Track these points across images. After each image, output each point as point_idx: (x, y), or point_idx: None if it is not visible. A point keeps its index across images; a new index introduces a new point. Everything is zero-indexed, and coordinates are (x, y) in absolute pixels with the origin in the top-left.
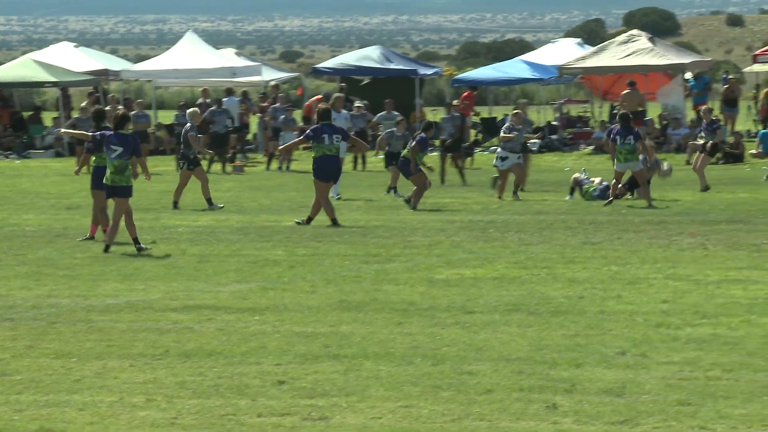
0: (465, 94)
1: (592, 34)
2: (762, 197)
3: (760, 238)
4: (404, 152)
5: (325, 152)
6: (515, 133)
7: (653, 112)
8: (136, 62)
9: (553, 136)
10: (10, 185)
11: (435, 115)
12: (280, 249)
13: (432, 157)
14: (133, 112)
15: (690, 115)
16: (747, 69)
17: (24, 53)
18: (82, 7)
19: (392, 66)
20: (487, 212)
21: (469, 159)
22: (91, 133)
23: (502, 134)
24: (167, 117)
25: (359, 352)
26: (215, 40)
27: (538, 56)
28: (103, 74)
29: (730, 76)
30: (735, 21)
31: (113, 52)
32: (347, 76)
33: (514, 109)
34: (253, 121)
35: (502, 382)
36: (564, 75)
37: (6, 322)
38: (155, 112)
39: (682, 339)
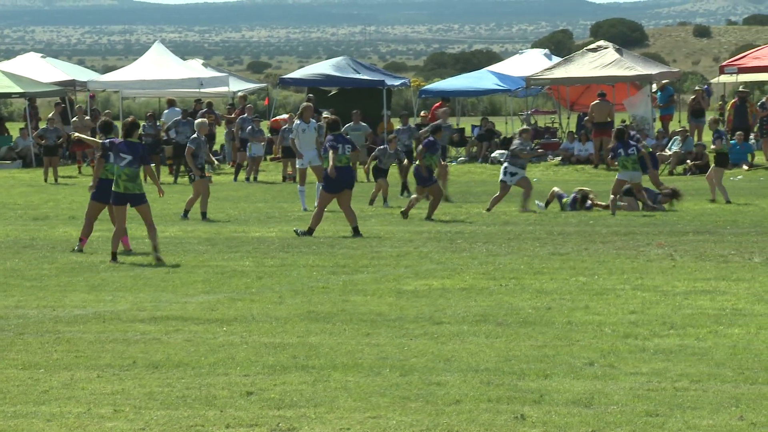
0: (437, 104)
1: (560, 45)
2: (729, 208)
3: (728, 249)
4: (417, 162)
5: (336, 163)
6: (528, 149)
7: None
8: (103, 73)
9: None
10: None
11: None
12: (247, 260)
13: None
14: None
15: (656, 126)
16: (714, 80)
17: None
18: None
19: (360, 77)
20: (455, 223)
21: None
22: (101, 141)
23: (517, 151)
24: None
25: (327, 363)
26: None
27: (505, 67)
28: (71, 85)
29: (697, 87)
30: (702, 32)
31: (80, 62)
32: (315, 86)
33: (523, 127)
34: (220, 132)
35: (470, 392)
36: (531, 86)
37: None
38: (122, 123)
39: (650, 350)
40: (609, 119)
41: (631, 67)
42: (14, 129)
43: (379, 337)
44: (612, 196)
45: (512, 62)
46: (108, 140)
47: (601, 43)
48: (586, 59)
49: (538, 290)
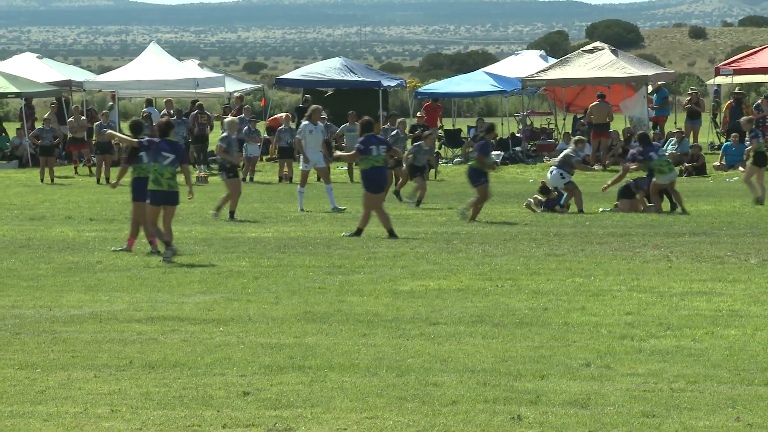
0: (426, 104)
1: (555, 46)
2: (725, 209)
3: (724, 250)
4: (471, 162)
5: (373, 164)
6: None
7: (617, 124)
8: (99, 73)
9: (517, 148)
10: None
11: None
12: (244, 260)
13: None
14: (97, 123)
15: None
16: (710, 81)
17: None
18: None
19: (356, 77)
20: (452, 224)
21: (432, 171)
22: (138, 140)
23: (572, 161)
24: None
25: (324, 364)
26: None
27: (501, 68)
28: (67, 85)
29: (692, 89)
30: (698, 33)
31: (76, 63)
32: (311, 87)
33: (578, 137)
34: (216, 132)
35: (466, 393)
36: (527, 87)
37: None
38: (119, 123)
39: (647, 351)
40: (608, 120)
41: (627, 68)
42: (10, 129)
43: (375, 337)
44: (653, 198)
45: (508, 63)
46: (147, 139)
47: (597, 44)
48: (582, 60)
49: (535, 291)
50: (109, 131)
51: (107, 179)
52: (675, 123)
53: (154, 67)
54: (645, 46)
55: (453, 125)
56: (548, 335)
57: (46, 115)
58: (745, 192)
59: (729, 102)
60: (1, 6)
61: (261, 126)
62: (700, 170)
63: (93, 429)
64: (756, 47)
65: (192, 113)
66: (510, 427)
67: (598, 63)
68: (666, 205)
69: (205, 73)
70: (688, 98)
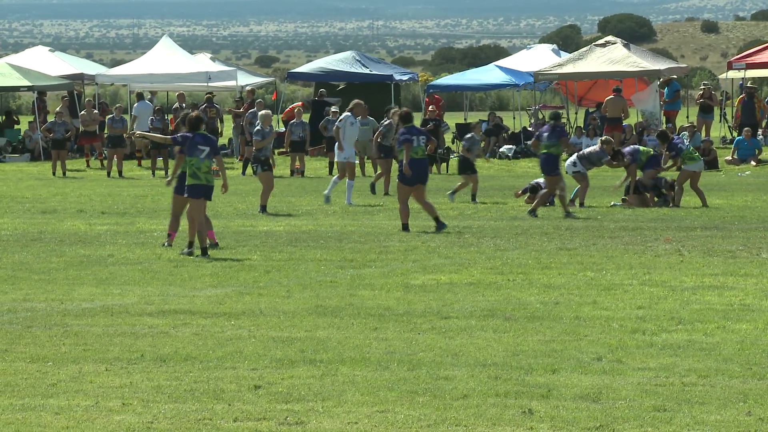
0: (427, 99)
1: (567, 40)
2: (736, 203)
3: (735, 244)
4: (543, 149)
5: (412, 155)
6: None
7: (630, 118)
8: (111, 67)
9: (529, 142)
10: None
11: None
12: (255, 254)
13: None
14: (110, 116)
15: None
16: (722, 75)
17: None
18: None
19: (368, 71)
20: (463, 218)
21: (444, 164)
22: (171, 137)
23: (594, 159)
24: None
25: (335, 357)
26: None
27: (513, 62)
28: (79, 78)
29: (704, 83)
30: (710, 27)
31: (88, 56)
32: (323, 81)
33: (605, 137)
34: (227, 126)
35: (478, 387)
36: (539, 81)
37: None
38: (131, 117)
39: (658, 345)
40: (622, 114)
41: (639, 62)
42: (23, 122)
43: (386, 331)
44: (677, 188)
45: (520, 57)
46: (180, 135)
47: (609, 38)
48: (594, 55)
49: (546, 285)
50: (138, 131)
51: (119, 172)
52: (687, 117)
53: (166, 61)
54: (657, 40)
55: (465, 119)
56: (560, 329)
57: (58, 109)
58: (757, 186)
59: (741, 96)
60: None
61: (274, 120)
62: (711, 164)
63: (104, 422)
64: None
65: (201, 106)
66: (521, 421)
67: (610, 57)
68: (696, 201)
69: (218, 67)
70: (701, 92)
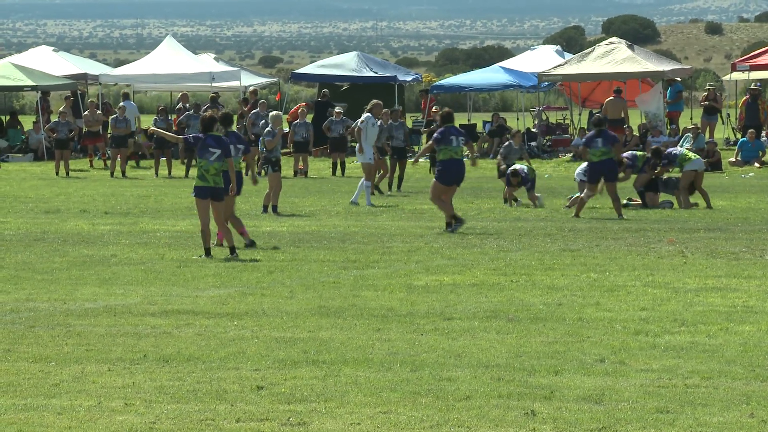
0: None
1: (571, 41)
2: (740, 205)
3: (739, 246)
4: (600, 155)
5: (452, 155)
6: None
7: (633, 120)
8: (115, 67)
9: (532, 143)
10: None
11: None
12: (258, 254)
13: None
14: (113, 117)
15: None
16: (726, 77)
17: (2, 57)
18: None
19: (371, 72)
20: (466, 218)
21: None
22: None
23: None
24: (146, 121)
25: (338, 358)
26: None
27: (517, 63)
28: (82, 78)
29: (709, 85)
30: (714, 29)
31: (92, 56)
32: (327, 82)
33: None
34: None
35: (480, 388)
36: (543, 82)
37: None
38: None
39: (661, 347)
40: (623, 116)
41: (643, 63)
42: (26, 122)
43: (389, 332)
44: (682, 191)
45: (524, 58)
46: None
47: (613, 39)
48: (598, 56)
49: (549, 286)
50: (152, 128)
51: (123, 173)
52: (691, 119)
53: (169, 61)
54: (661, 41)
55: (468, 120)
56: (563, 331)
57: (61, 109)
58: (761, 188)
59: (745, 98)
60: None
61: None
62: (715, 166)
63: (107, 422)
64: None
65: (205, 107)
66: (524, 423)
67: (614, 58)
68: (701, 202)
69: (221, 67)
70: (705, 94)
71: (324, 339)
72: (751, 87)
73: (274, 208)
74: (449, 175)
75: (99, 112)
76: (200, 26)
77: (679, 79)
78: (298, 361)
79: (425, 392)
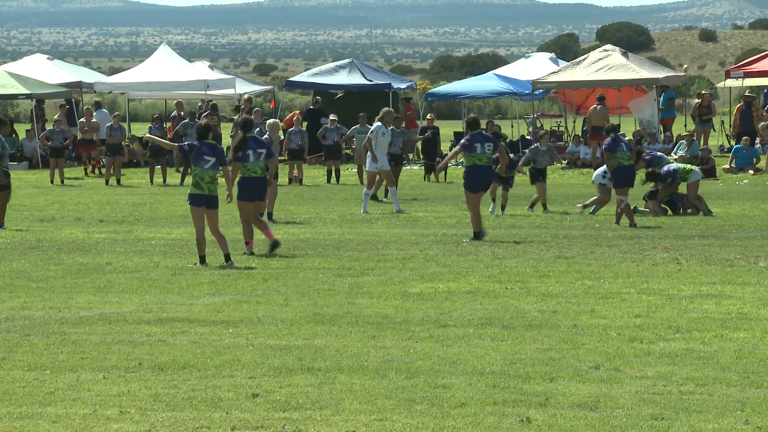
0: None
1: (566, 48)
2: (734, 212)
3: (733, 253)
4: (623, 161)
5: (476, 162)
6: None
7: (627, 126)
8: (109, 75)
9: (526, 151)
10: None
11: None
12: (253, 262)
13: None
14: (108, 124)
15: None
16: (720, 84)
17: None
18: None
19: (366, 80)
20: (461, 226)
21: (442, 173)
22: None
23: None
24: (141, 129)
25: (333, 365)
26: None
27: (511, 70)
28: (77, 86)
29: (704, 91)
30: (708, 36)
31: (87, 64)
32: (321, 89)
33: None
34: (226, 134)
35: (476, 395)
36: (538, 89)
37: None
38: (129, 125)
39: (656, 353)
40: (604, 123)
41: (637, 70)
42: (20, 130)
43: (384, 339)
44: (696, 201)
45: (518, 66)
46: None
47: (607, 46)
48: (592, 63)
49: (544, 293)
50: (147, 135)
51: (117, 181)
52: (685, 126)
53: (164, 69)
54: (655, 48)
55: (463, 127)
56: (557, 338)
57: (56, 117)
58: (755, 195)
59: (739, 105)
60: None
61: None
62: (709, 173)
63: (102, 430)
64: (766, 50)
65: (203, 114)
66: (519, 430)
67: (608, 65)
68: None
69: (216, 75)
70: (698, 101)
71: (319, 346)
72: (745, 94)
73: (270, 216)
74: (473, 181)
75: (94, 120)
76: (195, 34)
77: (665, 85)
78: (294, 368)
79: (420, 399)
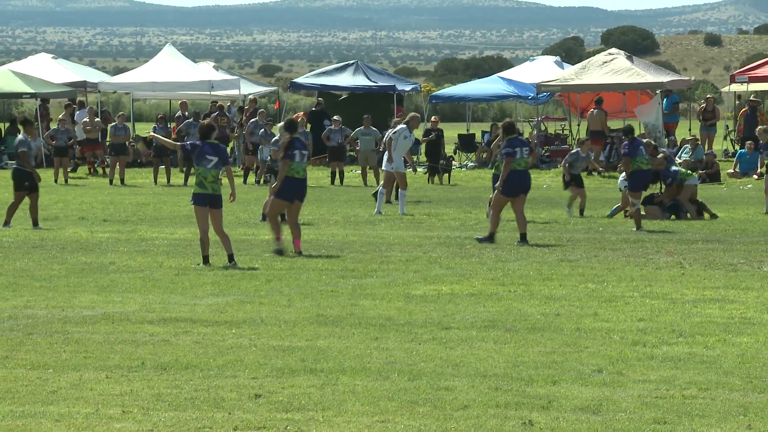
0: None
1: (570, 52)
2: (738, 217)
3: (737, 257)
4: (643, 165)
5: (515, 167)
6: None
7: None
8: (114, 74)
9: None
10: None
11: None
12: (257, 262)
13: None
14: (112, 124)
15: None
16: (725, 89)
17: (2, 64)
18: (60, 19)
19: (371, 81)
20: (465, 228)
21: (446, 175)
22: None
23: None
24: (145, 129)
25: (336, 367)
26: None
27: (516, 74)
28: (81, 86)
29: (709, 95)
30: (713, 41)
31: (91, 64)
32: (326, 91)
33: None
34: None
35: (478, 398)
36: (542, 92)
37: None
38: (133, 125)
39: (659, 357)
40: (601, 128)
41: (642, 74)
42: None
43: (387, 341)
44: (688, 205)
45: (523, 69)
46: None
47: (612, 50)
48: (597, 67)
49: (547, 296)
50: (151, 133)
51: (121, 180)
52: (689, 130)
53: (169, 69)
54: (660, 52)
55: (467, 130)
56: (560, 341)
57: (60, 116)
58: (759, 200)
59: (744, 109)
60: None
61: (275, 129)
62: (713, 177)
63: (104, 430)
64: None
65: (213, 115)
66: None
67: (613, 69)
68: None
69: (220, 76)
70: (703, 105)
71: (322, 348)
72: (750, 99)
73: (263, 216)
74: (512, 186)
75: (98, 119)
76: (200, 35)
77: (669, 89)
78: (296, 369)
79: (423, 401)
